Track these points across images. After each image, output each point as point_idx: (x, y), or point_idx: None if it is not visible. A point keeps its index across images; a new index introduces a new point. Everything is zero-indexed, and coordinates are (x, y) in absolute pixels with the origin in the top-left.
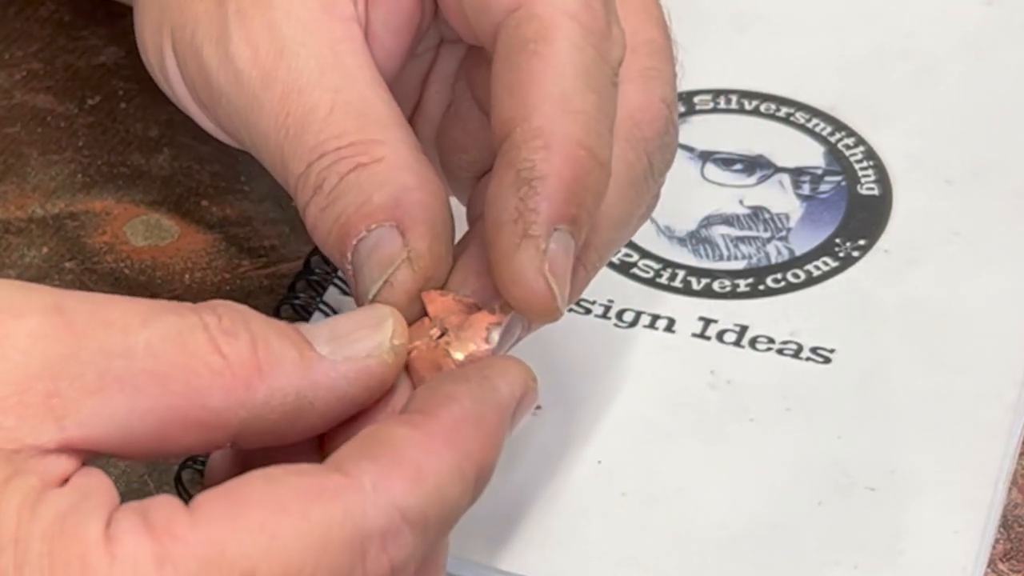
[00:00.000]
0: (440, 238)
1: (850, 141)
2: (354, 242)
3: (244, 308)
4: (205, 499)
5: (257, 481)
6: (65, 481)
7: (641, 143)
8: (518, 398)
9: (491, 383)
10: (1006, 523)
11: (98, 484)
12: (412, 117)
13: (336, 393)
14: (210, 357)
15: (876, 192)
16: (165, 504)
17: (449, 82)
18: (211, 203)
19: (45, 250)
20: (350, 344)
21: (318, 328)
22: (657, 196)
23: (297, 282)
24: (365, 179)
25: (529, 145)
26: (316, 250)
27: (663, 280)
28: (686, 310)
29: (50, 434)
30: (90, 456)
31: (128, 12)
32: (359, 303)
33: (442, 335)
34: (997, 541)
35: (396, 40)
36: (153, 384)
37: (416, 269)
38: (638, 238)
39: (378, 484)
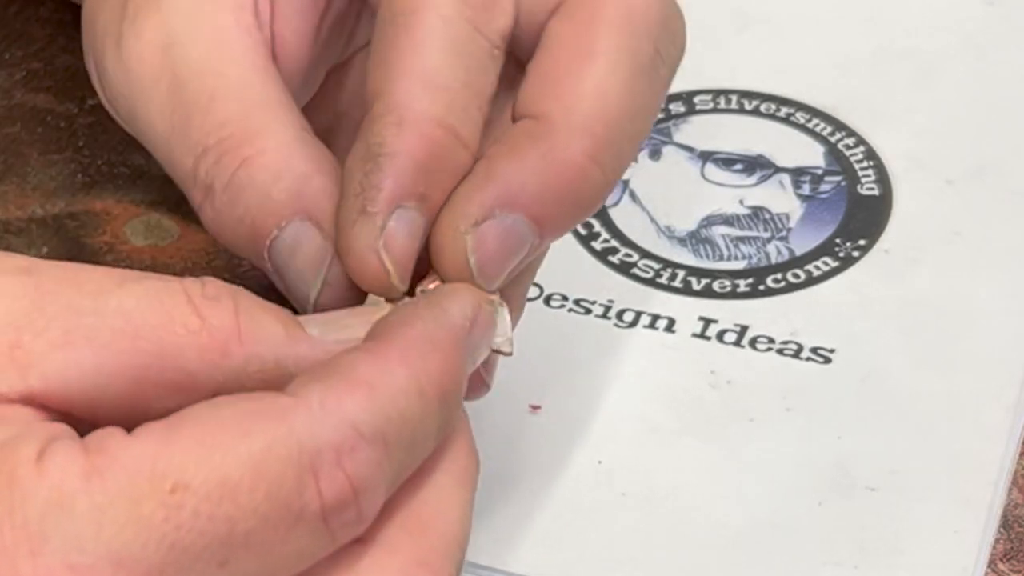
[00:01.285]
0: None
1: (850, 141)
2: (267, 242)
3: (236, 286)
4: (146, 425)
5: (201, 407)
6: None
7: (644, 29)
8: (471, 318)
9: (440, 307)
10: (1006, 523)
11: (53, 426)
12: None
13: None
14: (188, 318)
15: (876, 192)
16: (105, 430)
17: None
18: None
19: (45, 250)
20: (341, 329)
21: (312, 316)
22: (665, 93)
23: None
24: (257, 174)
25: (383, 120)
26: None
27: (663, 280)
28: (686, 310)
29: (11, 383)
30: (58, 416)
31: None
32: (298, 305)
33: None
34: (997, 541)
35: (308, 19)
36: (123, 341)
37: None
38: (638, 238)
39: (327, 401)
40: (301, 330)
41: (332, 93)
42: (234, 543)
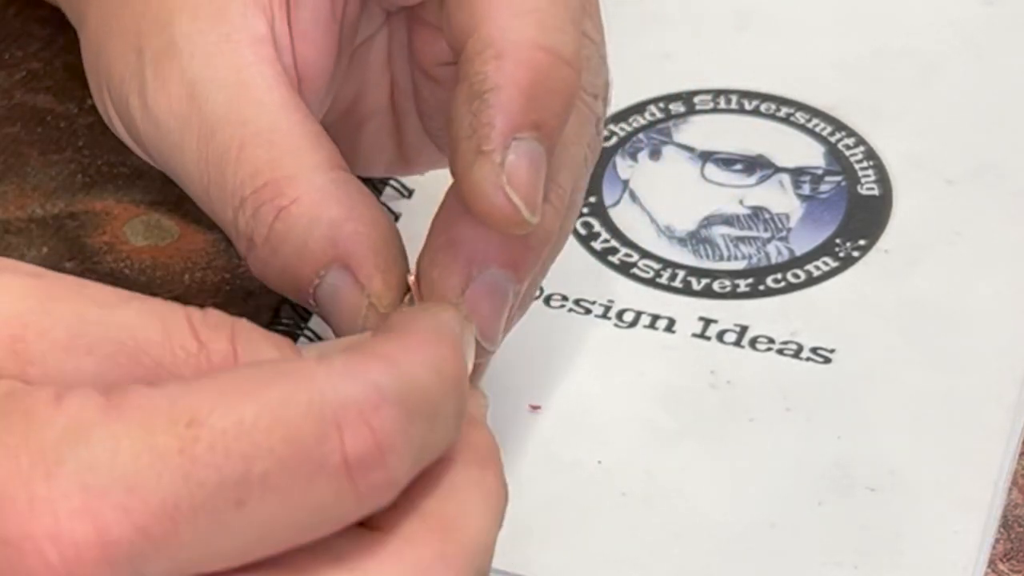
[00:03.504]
0: (390, 260)
1: (850, 141)
2: (311, 290)
3: (237, 317)
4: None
5: (223, 370)
6: None
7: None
8: (460, 327)
9: (434, 314)
10: (1006, 523)
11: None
12: (392, 99)
13: None
14: (187, 340)
15: (876, 192)
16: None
17: (407, 54)
18: None
19: (45, 250)
20: None
21: (311, 344)
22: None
23: None
24: (293, 224)
25: (481, 56)
26: None
27: (663, 280)
28: (686, 310)
29: (11, 371)
30: None
31: None
32: None
33: None
34: (997, 541)
35: (328, 31)
36: (123, 355)
37: (383, 308)
38: (638, 238)
39: (349, 365)
40: (297, 355)
41: (348, 75)
42: (251, 483)
